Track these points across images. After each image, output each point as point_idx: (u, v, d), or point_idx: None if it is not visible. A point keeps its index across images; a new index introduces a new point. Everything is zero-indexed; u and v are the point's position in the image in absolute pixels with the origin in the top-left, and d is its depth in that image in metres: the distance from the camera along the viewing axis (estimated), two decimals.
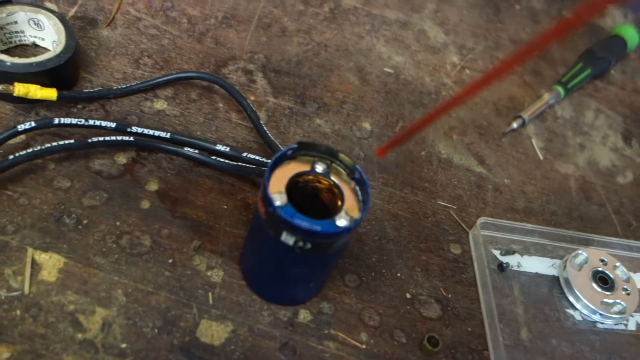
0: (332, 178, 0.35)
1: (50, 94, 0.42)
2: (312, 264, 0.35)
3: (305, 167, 0.35)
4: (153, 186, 0.42)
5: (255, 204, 0.43)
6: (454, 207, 0.48)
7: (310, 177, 0.35)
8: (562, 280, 0.46)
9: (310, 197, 0.36)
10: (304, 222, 0.31)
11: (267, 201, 0.32)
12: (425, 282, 0.43)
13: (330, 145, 0.35)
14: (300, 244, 0.32)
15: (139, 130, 0.43)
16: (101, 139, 0.41)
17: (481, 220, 0.46)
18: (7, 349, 0.32)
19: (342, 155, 0.35)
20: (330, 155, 0.35)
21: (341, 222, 0.33)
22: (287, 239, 0.32)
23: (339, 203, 0.34)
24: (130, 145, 0.42)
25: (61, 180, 0.40)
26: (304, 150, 0.35)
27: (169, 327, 0.36)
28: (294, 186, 0.34)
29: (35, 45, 0.47)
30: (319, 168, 0.35)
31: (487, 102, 0.59)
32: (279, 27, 0.57)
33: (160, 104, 0.47)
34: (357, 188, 0.35)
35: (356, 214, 0.34)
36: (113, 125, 0.42)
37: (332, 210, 0.35)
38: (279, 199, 0.32)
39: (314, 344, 0.37)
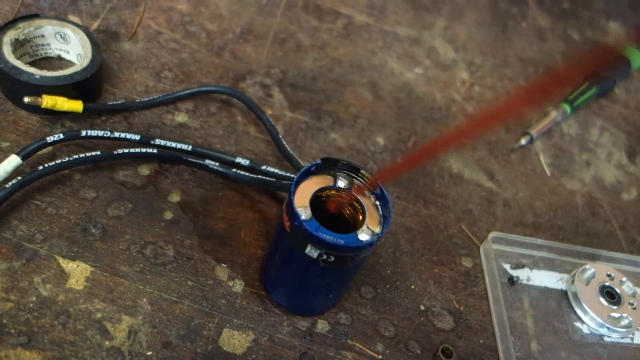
0: (354, 193, 0.36)
1: (77, 106, 0.43)
2: (333, 276, 0.36)
3: (328, 182, 0.36)
4: (175, 197, 0.43)
5: (276, 217, 0.44)
6: (465, 221, 0.50)
7: (333, 191, 0.36)
8: (570, 295, 0.47)
9: (332, 211, 0.37)
10: (328, 236, 0.33)
11: (293, 215, 0.33)
12: (438, 295, 0.44)
13: (351, 162, 0.36)
14: (324, 256, 0.33)
15: (162, 142, 0.44)
16: (126, 150, 0.42)
17: (492, 234, 0.47)
18: (37, 355, 0.33)
19: (363, 171, 0.36)
20: (352, 170, 0.37)
21: (363, 236, 0.34)
22: (312, 252, 0.33)
23: (360, 217, 0.36)
24: (154, 157, 0.43)
25: (87, 190, 0.41)
26: (327, 165, 0.36)
27: (193, 335, 0.37)
28: (317, 200, 0.36)
29: (60, 57, 0.48)
30: (341, 183, 0.36)
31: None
32: (294, 43, 0.59)
33: (181, 117, 0.48)
34: (378, 203, 0.36)
35: (377, 228, 0.35)
36: (137, 137, 0.43)
37: (353, 224, 0.36)
38: (303, 213, 0.33)
39: (332, 354, 0.38)
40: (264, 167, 0.45)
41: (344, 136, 0.52)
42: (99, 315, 0.36)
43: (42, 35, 0.46)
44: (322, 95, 0.55)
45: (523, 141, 0.58)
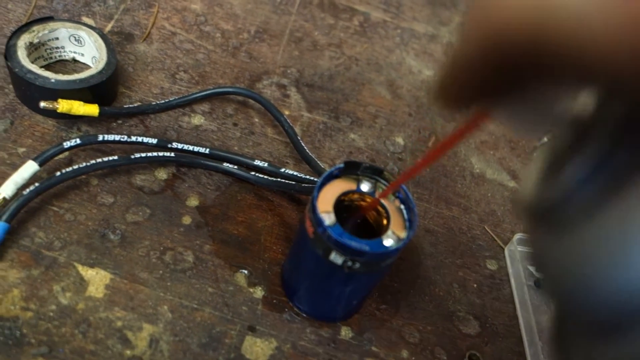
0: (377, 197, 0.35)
1: (93, 110, 0.42)
2: (358, 282, 0.35)
3: (351, 186, 0.35)
4: (194, 202, 0.42)
5: (296, 220, 0.43)
6: (489, 222, 0.48)
7: (356, 195, 0.35)
8: None
9: (355, 216, 0.36)
10: (353, 242, 0.32)
11: (317, 221, 0.32)
12: (463, 299, 0.43)
13: (375, 164, 0.35)
14: (349, 263, 0.32)
15: (180, 146, 0.43)
16: (143, 155, 0.41)
17: (517, 236, 0.46)
18: None
19: (386, 174, 0.35)
20: (375, 173, 0.36)
21: (388, 241, 0.33)
22: (336, 258, 0.32)
23: (384, 222, 0.35)
24: (171, 161, 0.43)
25: (105, 196, 0.40)
26: (350, 169, 0.35)
27: (214, 343, 0.36)
28: (340, 204, 0.35)
29: (74, 60, 0.48)
30: (365, 187, 0.35)
31: None
32: (310, 41, 0.58)
33: (197, 119, 0.47)
34: (402, 207, 0.35)
35: (402, 233, 0.34)
36: (154, 141, 0.43)
37: (377, 229, 0.35)
38: (327, 218, 0.32)
39: None
40: (283, 170, 0.44)
41: (362, 136, 0.51)
42: (119, 323, 0.35)
43: (57, 38, 0.46)
44: (340, 94, 0.54)
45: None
